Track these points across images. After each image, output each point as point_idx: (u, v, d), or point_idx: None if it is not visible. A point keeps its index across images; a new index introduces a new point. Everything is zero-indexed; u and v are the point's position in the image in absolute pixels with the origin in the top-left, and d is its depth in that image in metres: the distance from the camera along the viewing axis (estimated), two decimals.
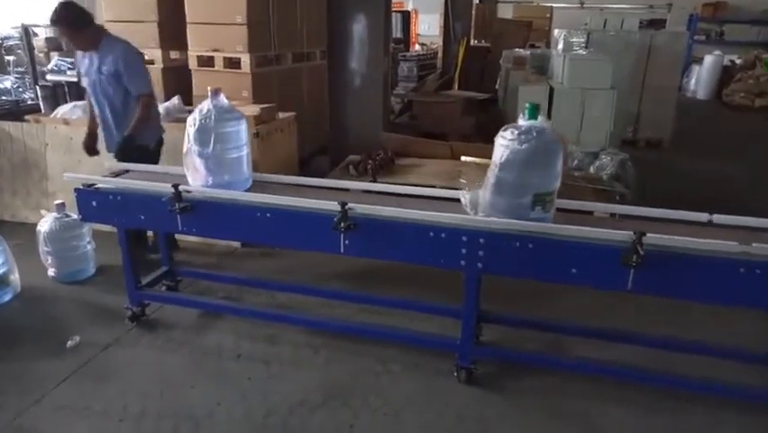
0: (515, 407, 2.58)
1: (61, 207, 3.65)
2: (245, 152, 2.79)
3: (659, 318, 3.21)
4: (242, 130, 2.75)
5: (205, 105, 2.66)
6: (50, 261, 3.68)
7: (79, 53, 3.67)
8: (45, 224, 3.65)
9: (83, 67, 3.64)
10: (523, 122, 2.29)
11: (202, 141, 2.64)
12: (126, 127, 3.52)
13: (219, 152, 2.66)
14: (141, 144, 3.56)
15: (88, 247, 3.74)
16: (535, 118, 2.28)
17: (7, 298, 3.42)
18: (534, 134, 2.24)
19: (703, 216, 2.47)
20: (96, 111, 3.70)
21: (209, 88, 2.70)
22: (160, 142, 3.81)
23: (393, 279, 3.58)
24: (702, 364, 2.72)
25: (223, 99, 2.70)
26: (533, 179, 2.27)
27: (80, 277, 3.71)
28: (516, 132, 2.26)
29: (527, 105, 2.31)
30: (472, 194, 2.45)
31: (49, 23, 3.46)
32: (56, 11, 3.37)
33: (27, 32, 7.67)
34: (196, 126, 2.64)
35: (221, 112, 2.66)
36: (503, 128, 2.33)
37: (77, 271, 3.71)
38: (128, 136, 3.48)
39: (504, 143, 2.28)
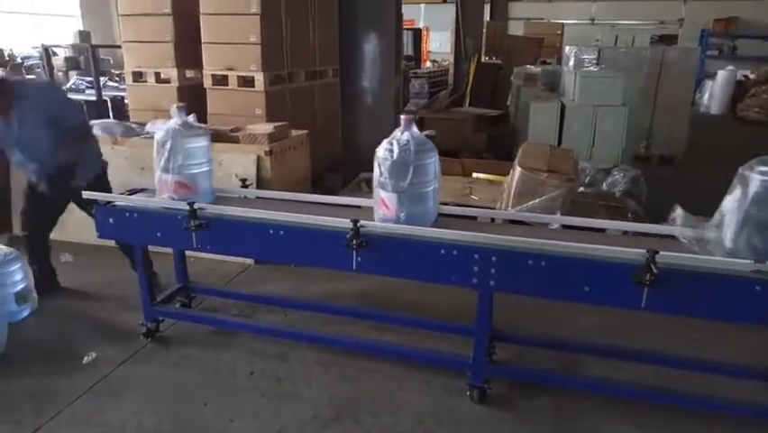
0: (527, 426, 2.56)
1: None
2: (437, 185, 2.60)
3: (675, 337, 3.18)
4: (437, 162, 2.54)
5: (402, 135, 2.44)
6: None
7: None
8: None
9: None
10: None
11: (398, 174, 2.42)
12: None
13: (416, 185, 2.45)
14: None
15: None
16: None
17: (25, 314, 3.45)
18: None
19: None
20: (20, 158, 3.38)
21: (402, 117, 2.49)
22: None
23: (405, 295, 3.59)
24: (719, 383, 2.69)
25: (415, 129, 2.47)
26: None
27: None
28: None
29: None
30: (697, 231, 2.29)
31: None
32: None
33: (47, 52, 7.84)
34: (395, 158, 2.41)
35: (418, 143, 2.44)
36: (757, 161, 2.17)
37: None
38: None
39: (764, 178, 2.11)
